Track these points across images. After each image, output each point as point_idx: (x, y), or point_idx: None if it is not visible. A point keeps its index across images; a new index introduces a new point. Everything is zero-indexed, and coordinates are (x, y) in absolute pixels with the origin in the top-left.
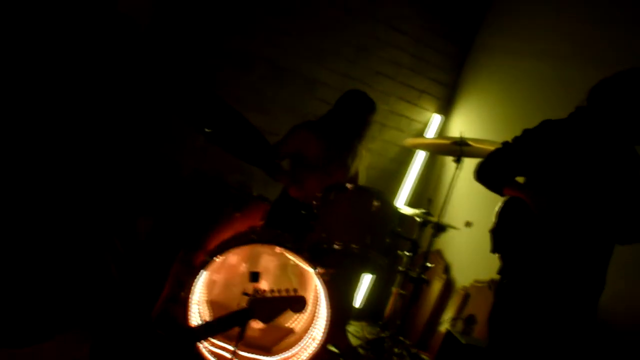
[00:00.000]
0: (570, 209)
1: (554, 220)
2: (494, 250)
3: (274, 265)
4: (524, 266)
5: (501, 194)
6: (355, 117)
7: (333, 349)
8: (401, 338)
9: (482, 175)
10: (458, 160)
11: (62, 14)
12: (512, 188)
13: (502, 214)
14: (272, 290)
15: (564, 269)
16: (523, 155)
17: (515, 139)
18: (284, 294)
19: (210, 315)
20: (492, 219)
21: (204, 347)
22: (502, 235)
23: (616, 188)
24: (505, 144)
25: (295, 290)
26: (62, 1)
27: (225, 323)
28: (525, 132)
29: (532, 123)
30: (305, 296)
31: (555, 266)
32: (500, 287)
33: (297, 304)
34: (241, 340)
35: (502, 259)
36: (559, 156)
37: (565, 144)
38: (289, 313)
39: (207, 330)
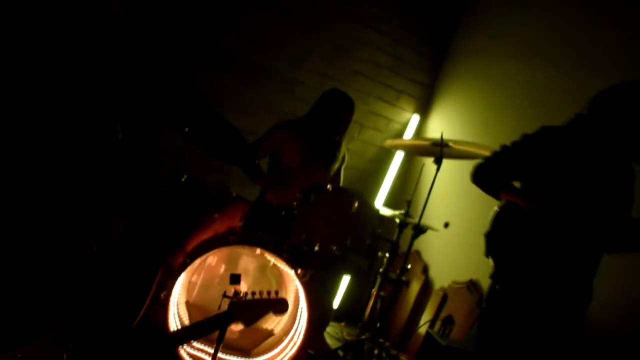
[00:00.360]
0: (563, 215)
1: (547, 226)
2: (488, 254)
3: (254, 266)
4: (516, 271)
5: (497, 197)
6: (333, 116)
7: (310, 352)
8: (381, 340)
9: (480, 178)
10: (438, 161)
11: (31, 10)
12: (509, 192)
13: (497, 219)
14: (253, 293)
15: (555, 275)
16: (521, 160)
17: (514, 143)
18: (265, 296)
19: (188, 317)
20: (485, 222)
21: (183, 350)
22: (496, 240)
23: (609, 199)
24: (503, 147)
25: (276, 293)
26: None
27: (206, 327)
28: (524, 137)
29: (509, 124)
30: (286, 298)
31: (546, 273)
32: (491, 292)
33: (279, 306)
34: (221, 343)
35: (495, 263)
36: (556, 163)
37: (563, 151)
38: (270, 315)
39: (188, 335)
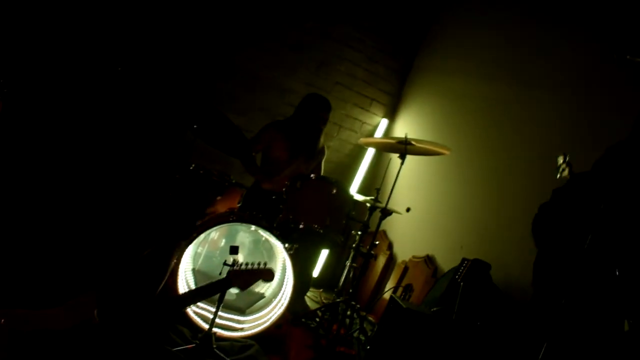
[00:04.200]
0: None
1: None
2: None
3: (249, 240)
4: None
5: None
6: (313, 114)
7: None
8: (353, 303)
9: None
10: (402, 157)
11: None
12: None
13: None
14: (247, 264)
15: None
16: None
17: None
18: (256, 267)
19: (194, 282)
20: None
21: (190, 309)
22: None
23: None
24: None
25: (265, 264)
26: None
27: (209, 290)
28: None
29: (462, 129)
30: (273, 268)
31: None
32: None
33: (267, 275)
34: (221, 304)
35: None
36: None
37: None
38: (260, 282)
39: (194, 296)
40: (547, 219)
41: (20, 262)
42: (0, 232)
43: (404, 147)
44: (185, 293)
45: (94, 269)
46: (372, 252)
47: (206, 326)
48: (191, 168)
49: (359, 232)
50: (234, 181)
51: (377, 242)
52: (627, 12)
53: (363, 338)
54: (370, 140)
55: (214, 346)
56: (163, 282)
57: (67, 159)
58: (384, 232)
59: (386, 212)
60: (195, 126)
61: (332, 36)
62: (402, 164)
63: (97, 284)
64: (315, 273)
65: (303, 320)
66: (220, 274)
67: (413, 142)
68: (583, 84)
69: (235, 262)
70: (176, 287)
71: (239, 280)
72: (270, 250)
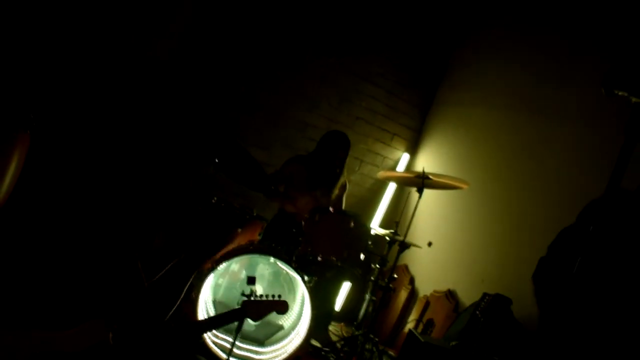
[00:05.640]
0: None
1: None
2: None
3: (268, 272)
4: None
5: None
6: (331, 153)
7: (316, 343)
8: (371, 336)
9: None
10: (420, 191)
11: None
12: None
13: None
14: (261, 295)
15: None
16: None
17: None
18: (270, 298)
19: (215, 312)
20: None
21: (208, 338)
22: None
23: None
24: None
25: (279, 296)
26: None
27: (223, 319)
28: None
29: (483, 161)
30: (288, 301)
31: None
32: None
33: (281, 307)
34: (239, 334)
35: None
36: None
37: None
38: (274, 314)
39: (209, 324)
40: (544, 273)
41: (35, 282)
42: (15, 252)
43: (421, 181)
44: (200, 321)
45: (110, 290)
46: (391, 285)
47: (224, 356)
48: (213, 201)
49: (378, 266)
50: (255, 214)
51: (395, 276)
52: (614, 44)
53: None
54: (389, 174)
55: None
56: (174, 308)
57: (93, 189)
58: (406, 266)
59: (404, 245)
60: (217, 160)
61: (354, 71)
62: (419, 197)
63: (113, 306)
64: (338, 307)
65: (323, 353)
66: (238, 304)
67: (431, 177)
68: (599, 115)
69: (252, 292)
70: (196, 317)
71: (252, 311)
72: (290, 283)
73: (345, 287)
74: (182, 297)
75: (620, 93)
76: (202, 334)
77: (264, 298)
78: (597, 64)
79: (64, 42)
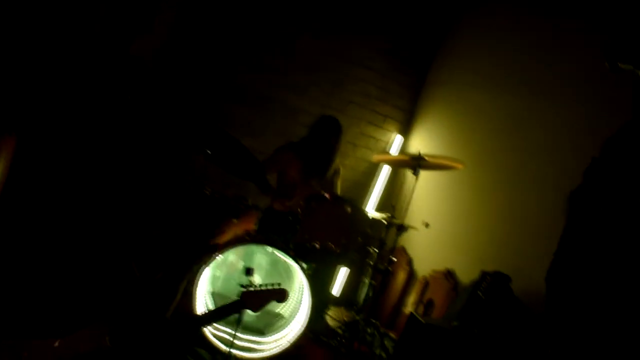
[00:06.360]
0: None
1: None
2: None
3: (266, 262)
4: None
5: None
6: (323, 138)
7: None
8: (372, 320)
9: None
10: (416, 173)
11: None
12: None
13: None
14: (260, 285)
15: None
16: None
17: None
18: (269, 287)
19: (214, 304)
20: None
21: (208, 331)
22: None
23: None
24: None
25: (279, 284)
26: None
27: (223, 312)
28: None
29: (475, 142)
30: (287, 289)
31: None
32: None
33: (280, 295)
34: (239, 325)
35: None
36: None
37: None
38: (274, 302)
39: (209, 318)
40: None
41: (29, 288)
42: (9, 259)
43: (417, 163)
44: (199, 315)
45: (105, 294)
46: (390, 268)
47: (225, 348)
48: (207, 192)
49: (376, 250)
50: (250, 204)
51: (394, 259)
52: (617, 18)
53: (384, 355)
54: (384, 157)
55: None
56: (174, 305)
57: (80, 187)
58: (403, 248)
59: (402, 228)
60: (209, 152)
61: (346, 55)
62: (416, 180)
63: (109, 309)
64: (336, 291)
65: (323, 339)
66: (237, 295)
67: (426, 158)
68: (595, 94)
69: (250, 283)
70: (194, 310)
71: (251, 302)
72: (288, 271)
73: (343, 272)
74: (180, 291)
75: (624, 67)
76: (201, 328)
77: (262, 287)
78: (589, 41)
79: (48, 42)
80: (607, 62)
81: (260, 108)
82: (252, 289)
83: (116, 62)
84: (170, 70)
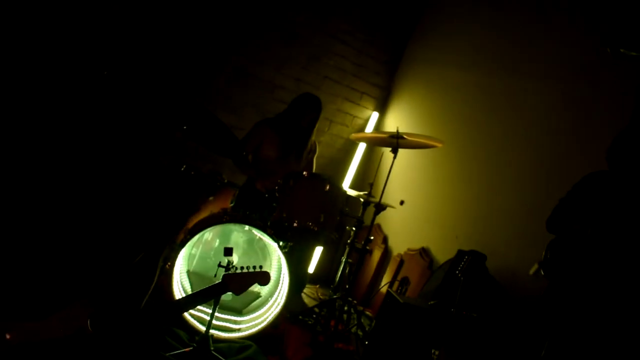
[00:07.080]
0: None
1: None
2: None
3: (243, 240)
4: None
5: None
6: (302, 116)
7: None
8: (349, 298)
9: (550, 228)
10: (394, 151)
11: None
12: None
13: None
14: (242, 267)
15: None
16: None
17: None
18: (252, 269)
19: (189, 283)
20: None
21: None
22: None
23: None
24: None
25: (260, 267)
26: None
27: (205, 295)
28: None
29: (453, 121)
30: (269, 270)
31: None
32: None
33: (263, 278)
34: (217, 305)
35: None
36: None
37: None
38: (256, 285)
39: (190, 302)
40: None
41: (10, 273)
42: None
43: (395, 142)
44: (180, 299)
45: (85, 276)
46: (367, 247)
47: (203, 328)
48: (182, 169)
49: (354, 228)
50: (225, 181)
51: (371, 237)
52: (619, 5)
53: (361, 333)
54: (361, 135)
55: (212, 348)
56: (152, 286)
57: (56, 164)
58: (379, 225)
59: (380, 207)
60: (185, 127)
61: (322, 29)
62: (394, 158)
63: (89, 292)
64: (312, 269)
65: (300, 317)
66: (215, 275)
67: (405, 136)
68: (571, 74)
69: (230, 263)
70: (171, 290)
71: (234, 284)
72: (264, 249)
73: (319, 249)
74: (157, 272)
75: (632, 53)
76: (183, 313)
77: (244, 270)
78: (572, 23)
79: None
80: (609, 48)
81: (235, 82)
82: (233, 271)
83: (91, 35)
84: (146, 44)
